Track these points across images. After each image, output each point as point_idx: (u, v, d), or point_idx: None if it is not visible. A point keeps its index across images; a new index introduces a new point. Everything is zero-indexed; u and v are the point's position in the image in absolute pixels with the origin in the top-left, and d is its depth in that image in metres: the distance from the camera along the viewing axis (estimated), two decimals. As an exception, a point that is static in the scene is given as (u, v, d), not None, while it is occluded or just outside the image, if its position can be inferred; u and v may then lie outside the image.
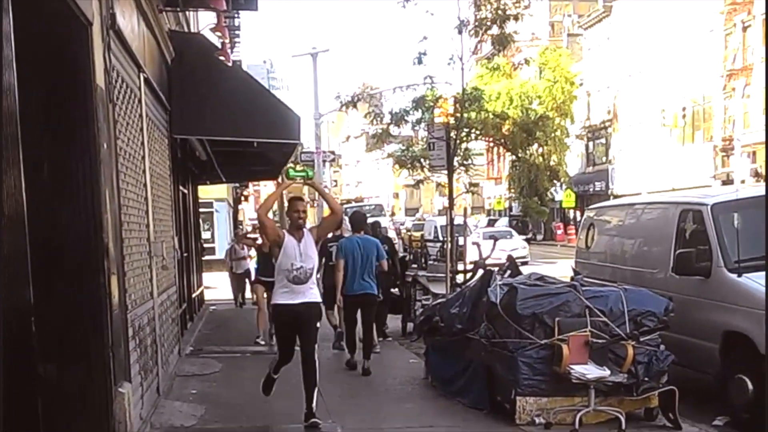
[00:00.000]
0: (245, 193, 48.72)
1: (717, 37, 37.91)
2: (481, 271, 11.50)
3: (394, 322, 14.99)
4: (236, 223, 41.52)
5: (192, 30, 16.12)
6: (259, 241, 14.17)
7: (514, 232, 40.03)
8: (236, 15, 17.87)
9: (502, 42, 17.77)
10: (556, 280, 9.37)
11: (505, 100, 45.08)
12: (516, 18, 17.28)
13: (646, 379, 8.12)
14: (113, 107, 7.10)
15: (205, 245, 27.55)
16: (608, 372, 7.87)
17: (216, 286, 24.07)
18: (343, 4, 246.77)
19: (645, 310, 8.45)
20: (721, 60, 37.85)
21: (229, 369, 11.65)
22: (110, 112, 6.94)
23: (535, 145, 45.83)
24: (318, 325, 8.52)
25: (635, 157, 45.83)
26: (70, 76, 6.23)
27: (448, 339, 9.80)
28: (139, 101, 8.80)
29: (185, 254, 15.23)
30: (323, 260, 11.92)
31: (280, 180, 27.44)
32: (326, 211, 27.70)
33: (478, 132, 35.43)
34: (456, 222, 16.86)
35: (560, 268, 19.86)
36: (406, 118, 25.34)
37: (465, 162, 37.03)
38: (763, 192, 9.51)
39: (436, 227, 34.12)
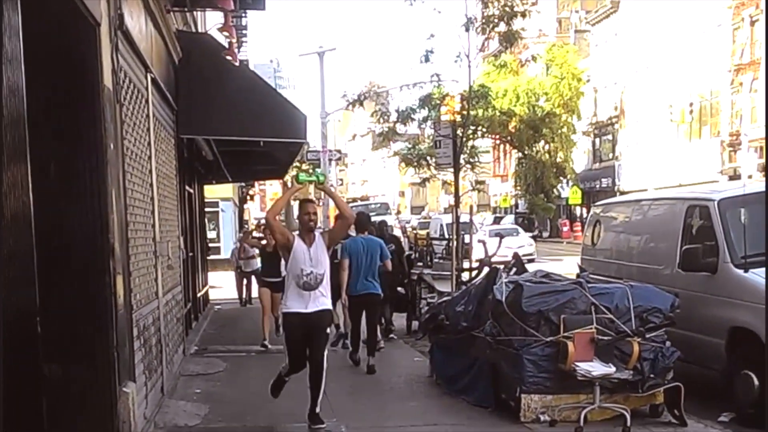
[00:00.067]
0: (251, 192, 48.80)
1: (725, 32, 37.79)
2: (486, 269, 11.51)
3: (399, 320, 15.00)
4: (242, 222, 41.58)
5: (199, 30, 16.16)
6: (264, 242, 14.17)
7: (520, 230, 39.97)
8: (243, 15, 17.92)
9: (510, 39, 17.77)
10: (561, 278, 9.38)
11: (511, 97, 45.12)
12: (523, 15, 17.30)
13: (652, 375, 8.12)
14: (120, 107, 7.13)
15: (211, 245, 27.59)
16: (613, 369, 7.87)
17: (221, 286, 24.11)
18: (350, 2, 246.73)
19: (651, 306, 8.44)
20: (729, 55, 37.73)
21: (233, 368, 11.68)
22: (117, 112, 6.97)
23: (542, 142, 45.94)
24: (328, 331, 8.52)
25: (642, 153, 45.72)
26: (77, 77, 6.26)
27: (453, 337, 9.80)
28: (146, 101, 8.83)
29: (191, 254, 15.27)
30: None
31: (286, 179, 27.49)
32: (331, 210, 27.72)
33: (484, 129, 35.50)
34: (462, 220, 16.86)
35: (567, 266, 19.86)
36: (412, 116, 25.34)
37: (471, 160, 37.12)
38: (770, 188, 9.47)
39: (441, 225, 34.12)
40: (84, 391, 6.17)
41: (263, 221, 27.05)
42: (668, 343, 8.40)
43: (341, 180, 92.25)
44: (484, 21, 17.20)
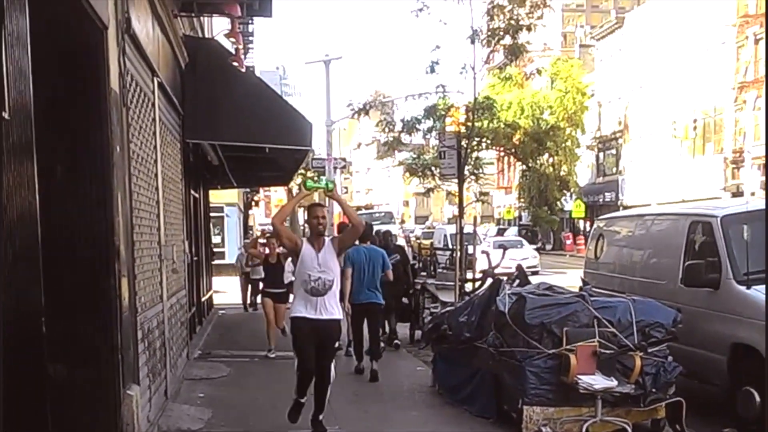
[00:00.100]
0: (256, 198, 48.80)
1: (729, 50, 37.86)
2: (489, 280, 11.51)
3: (402, 329, 15.00)
4: (246, 228, 41.58)
5: (206, 35, 16.21)
6: (267, 251, 14.14)
7: (524, 242, 39.95)
8: (250, 21, 17.94)
9: (515, 52, 17.84)
10: (564, 290, 9.37)
11: (516, 110, 45.15)
12: (529, 28, 17.36)
13: (654, 390, 8.10)
14: (127, 111, 7.15)
15: (215, 249, 27.61)
16: (616, 382, 7.85)
17: (225, 291, 24.12)
18: (357, 12, 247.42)
19: (653, 321, 8.44)
20: (733, 72, 37.79)
21: (237, 373, 11.68)
22: (124, 115, 6.99)
23: (546, 155, 45.92)
24: (337, 345, 8.45)
25: (645, 168, 45.76)
26: (84, 79, 6.28)
27: (455, 347, 9.80)
28: (153, 105, 8.85)
29: (195, 258, 15.27)
30: None
31: (291, 186, 27.51)
32: (336, 217, 27.74)
33: (489, 141, 35.48)
34: (465, 230, 16.87)
35: (570, 279, 19.83)
36: (417, 126, 25.40)
37: (475, 171, 37.09)
38: (773, 205, 9.48)
39: (445, 235, 34.12)
40: (88, 393, 6.17)
41: (268, 228, 26.99)
42: (670, 358, 8.39)
43: (346, 188, 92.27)
44: (489, 34, 17.28)
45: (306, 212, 8.85)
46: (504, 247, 19.98)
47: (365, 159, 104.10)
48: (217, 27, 17.13)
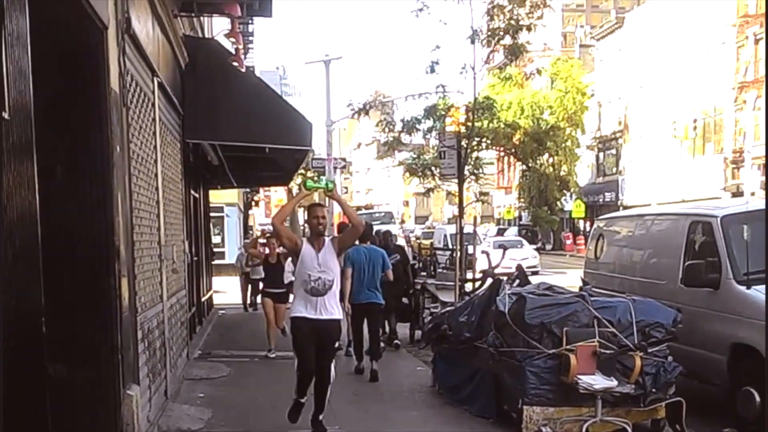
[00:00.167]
0: (256, 198, 48.80)
1: (729, 50, 37.87)
2: (489, 280, 11.52)
3: (402, 329, 15.00)
4: (246, 228, 41.58)
5: (206, 35, 16.21)
6: (267, 251, 14.13)
7: (524, 242, 39.96)
8: (250, 21, 17.94)
9: (515, 52, 17.84)
10: (564, 290, 9.38)
11: (516, 110, 45.17)
12: (529, 28, 17.35)
13: (654, 390, 8.11)
14: (127, 111, 7.15)
15: (215, 249, 27.60)
16: (616, 382, 7.86)
17: (225, 291, 24.13)
18: (357, 12, 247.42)
19: (653, 321, 8.44)
20: (733, 72, 37.80)
21: (237, 373, 11.68)
22: (124, 115, 6.99)
23: (546, 155, 45.94)
24: (337, 345, 8.43)
25: (645, 168, 45.77)
26: (84, 79, 6.28)
27: (455, 347, 9.80)
28: (153, 105, 8.85)
29: (195, 258, 15.27)
30: None
31: (291, 186, 27.51)
32: (336, 217, 27.73)
33: (489, 141, 35.49)
34: (465, 230, 16.87)
35: (570, 279, 19.83)
36: (417, 126, 25.41)
37: (475, 171, 37.10)
38: (773, 205, 9.48)
39: (445, 235, 34.13)
40: (88, 393, 6.17)
41: (268, 227, 26.94)
42: (670, 358, 8.39)
43: (346, 188, 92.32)
44: (489, 34, 17.27)
45: (306, 212, 8.82)
46: (504, 247, 19.98)
47: (365, 159, 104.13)
48: (217, 27, 17.14)
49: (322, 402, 8.03)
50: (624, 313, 8.42)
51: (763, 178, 33.61)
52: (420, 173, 37.54)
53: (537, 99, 47.18)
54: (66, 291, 5.91)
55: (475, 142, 26.02)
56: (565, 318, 8.25)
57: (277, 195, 55.23)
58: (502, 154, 50.96)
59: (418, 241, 33.26)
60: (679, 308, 8.74)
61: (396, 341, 14.06)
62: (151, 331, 8.26)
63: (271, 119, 12.37)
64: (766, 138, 19.42)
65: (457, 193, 19.21)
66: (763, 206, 9.89)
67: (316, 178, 13.33)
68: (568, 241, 52.94)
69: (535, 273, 29.74)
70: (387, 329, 14.36)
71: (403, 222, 76.95)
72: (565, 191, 49.78)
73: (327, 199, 15.28)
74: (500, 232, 53.75)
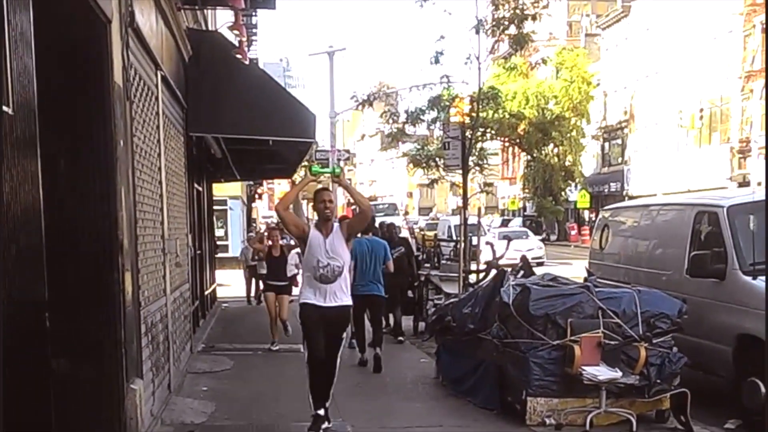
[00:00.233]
0: (259, 191, 48.81)
1: (736, 39, 37.70)
2: (494, 271, 11.51)
3: (405, 321, 15.00)
4: (250, 221, 41.59)
5: (210, 28, 16.19)
6: (270, 243, 14.12)
7: (530, 233, 39.93)
8: (254, 13, 17.93)
9: (520, 42, 17.77)
10: (569, 281, 9.37)
11: (521, 100, 45.13)
12: (534, 18, 17.27)
13: (658, 381, 8.10)
14: (130, 105, 7.15)
15: (219, 243, 27.61)
16: (620, 373, 7.86)
17: (229, 284, 24.15)
18: (361, 2, 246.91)
19: (658, 311, 8.43)
20: (740, 61, 37.64)
21: (240, 366, 11.69)
22: (127, 109, 6.98)
23: (551, 145, 45.95)
24: (344, 336, 8.31)
25: (651, 158, 45.66)
26: (88, 73, 6.28)
27: (459, 339, 9.80)
28: (156, 99, 8.85)
29: (199, 251, 15.29)
30: None
31: (295, 178, 27.50)
32: (339, 209, 27.71)
33: (493, 131, 35.46)
34: (470, 222, 16.85)
35: (575, 269, 19.83)
36: (421, 117, 25.34)
37: (480, 162, 37.05)
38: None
39: (449, 227, 34.10)
40: (92, 387, 6.19)
41: (272, 221, 26.85)
42: (675, 349, 8.38)
43: (349, 180, 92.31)
44: (494, 23, 17.21)
45: (312, 199, 8.57)
46: (508, 238, 19.98)
47: (369, 150, 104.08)
48: (221, 19, 17.11)
49: (327, 393, 8.01)
50: (629, 303, 8.41)
51: (768, 168, 33.49)
52: (424, 164, 37.50)
53: (542, 89, 47.12)
54: (69, 285, 5.92)
55: (479, 133, 26.01)
56: (569, 309, 8.24)
57: (280, 188, 55.25)
58: (506, 144, 50.98)
59: (422, 232, 33.24)
60: (684, 299, 8.73)
61: (400, 338, 14.02)
62: (155, 325, 8.27)
63: (274, 111, 12.36)
64: (766, 128, 19.33)
65: (461, 184, 19.16)
66: (768, 196, 9.85)
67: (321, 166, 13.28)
68: (573, 232, 52.89)
69: (540, 264, 29.71)
70: (391, 322, 14.37)
71: (407, 213, 76.92)
72: (570, 181, 49.76)
73: (332, 187, 15.29)
74: (505, 223, 53.72)
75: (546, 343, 8.15)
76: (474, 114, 18.51)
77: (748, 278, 8.51)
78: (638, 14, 47.61)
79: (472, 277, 14.68)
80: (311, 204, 8.77)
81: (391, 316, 14.38)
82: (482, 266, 15.26)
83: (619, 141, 52.59)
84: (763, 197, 9.49)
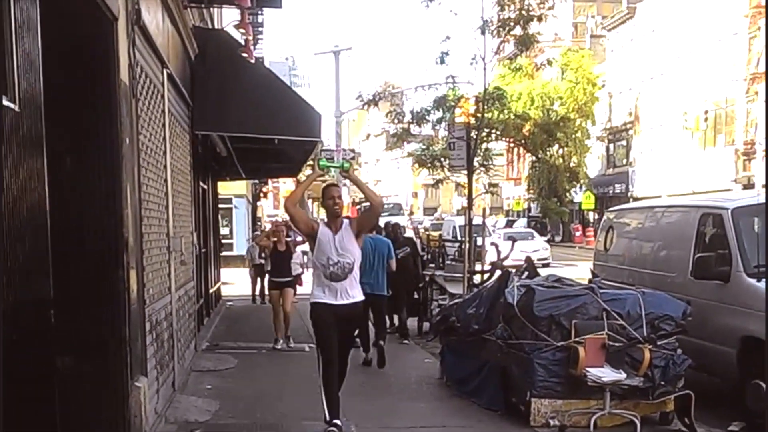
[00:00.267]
0: (264, 189, 48.79)
1: (741, 41, 37.61)
2: (498, 272, 11.50)
3: (410, 321, 14.98)
4: (255, 219, 41.60)
5: (216, 26, 16.20)
6: (275, 239, 14.12)
7: (535, 233, 39.91)
8: (260, 12, 17.93)
9: (525, 42, 17.76)
10: (573, 282, 9.36)
11: (526, 101, 45.05)
12: (540, 19, 17.26)
13: (663, 383, 8.09)
14: (136, 102, 7.15)
15: (224, 241, 27.63)
16: (624, 375, 7.85)
17: (233, 282, 24.15)
18: (367, 2, 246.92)
19: (663, 313, 8.42)
20: (745, 63, 37.54)
21: (244, 365, 11.69)
22: (133, 107, 6.99)
23: (556, 146, 45.83)
24: (355, 334, 8.09)
25: (656, 159, 45.57)
26: (94, 71, 6.28)
27: (464, 339, 9.79)
28: (162, 97, 8.85)
29: (203, 250, 15.29)
30: None
31: (300, 177, 27.50)
32: (344, 209, 27.68)
33: (498, 132, 35.41)
34: (475, 222, 16.84)
35: (580, 271, 19.80)
36: (426, 117, 25.33)
37: (485, 162, 37.01)
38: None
39: (454, 227, 34.09)
40: (96, 385, 6.19)
41: (277, 219, 26.82)
42: (679, 351, 8.37)
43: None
44: (500, 24, 17.20)
45: (321, 195, 8.46)
46: (513, 238, 19.94)
47: (374, 150, 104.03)
48: (227, 18, 17.13)
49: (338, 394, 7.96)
50: (633, 305, 8.40)
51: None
52: (429, 164, 37.45)
53: (547, 90, 47.05)
54: (74, 283, 5.92)
55: (484, 133, 25.96)
56: (574, 310, 8.23)
57: (285, 186, 55.30)
58: (511, 145, 50.88)
59: (427, 232, 33.23)
60: (688, 301, 8.72)
61: (405, 341, 13.99)
62: (159, 323, 8.27)
63: (280, 110, 12.36)
64: (765, 130, 19.32)
65: (466, 185, 19.16)
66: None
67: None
68: (578, 233, 52.85)
69: (546, 265, 29.68)
70: (396, 322, 14.36)
71: (411, 213, 76.88)
72: (574, 183, 49.66)
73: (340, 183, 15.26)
74: (509, 224, 53.66)
75: (550, 344, 8.14)
76: (479, 114, 18.48)
77: (753, 280, 8.50)
78: (643, 16, 47.52)
79: (477, 278, 14.66)
80: (316, 203, 8.68)
81: (395, 316, 14.38)
82: (487, 267, 15.24)
83: (624, 142, 52.49)
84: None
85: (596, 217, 49.41)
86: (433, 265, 16.50)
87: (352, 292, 7.60)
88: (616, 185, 51.14)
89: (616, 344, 8.01)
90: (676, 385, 8.19)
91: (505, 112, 33.77)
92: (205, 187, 16.52)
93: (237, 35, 13.99)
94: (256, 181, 37.74)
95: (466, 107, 19.36)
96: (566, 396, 8.07)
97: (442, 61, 18.41)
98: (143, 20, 7.28)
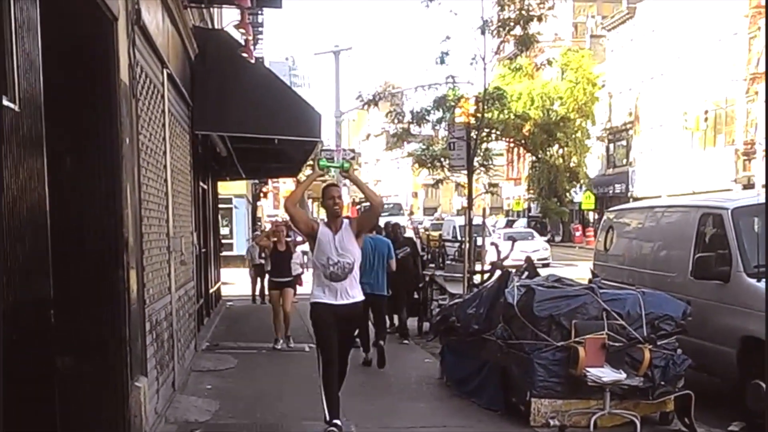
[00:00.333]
0: (264, 189, 48.79)
1: (741, 41, 37.62)
2: (498, 272, 11.50)
3: (410, 321, 14.98)
4: (255, 219, 41.60)
5: (216, 26, 16.20)
6: (275, 239, 14.12)
7: (535, 234, 39.92)
8: (260, 12, 17.93)
9: (525, 42, 17.76)
10: (573, 282, 9.36)
11: (526, 101, 45.06)
12: (540, 19, 17.26)
13: (663, 383, 8.09)
14: (136, 102, 7.15)
15: (224, 241, 27.63)
16: (624, 375, 7.85)
17: (233, 282, 24.15)
18: (367, 2, 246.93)
19: (663, 313, 8.42)
20: (745, 63, 37.55)
21: (244, 365, 11.69)
22: (133, 107, 6.99)
23: (556, 146, 45.84)
24: (355, 334, 8.07)
25: (656, 159, 45.58)
26: (94, 71, 6.28)
27: (464, 339, 9.79)
28: (162, 97, 8.85)
29: (203, 250, 15.29)
30: None
31: (300, 177, 27.51)
32: (344, 209, 27.69)
33: (498, 132, 35.42)
34: (475, 222, 16.84)
35: (580, 271, 19.80)
36: (426, 117, 25.34)
37: (485, 162, 37.02)
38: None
39: (454, 227, 34.10)
40: (96, 385, 6.19)
41: (277, 219, 26.83)
42: (679, 351, 8.37)
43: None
44: (500, 24, 17.20)
45: (321, 196, 8.47)
46: (513, 239, 19.95)
47: (374, 150, 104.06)
48: (227, 18, 17.13)
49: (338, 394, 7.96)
50: (633, 305, 8.40)
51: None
52: (429, 164, 37.47)
53: (547, 90, 47.05)
54: (74, 283, 5.92)
55: (484, 133, 25.95)
56: (573, 310, 8.23)
57: (285, 186, 55.31)
58: (511, 145, 50.89)
59: (427, 232, 33.25)
60: (688, 301, 8.72)
61: (405, 341, 13.99)
62: (159, 323, 8.27)
63: (280, 110, 12.37)
64: (765, 130, 19.33)
65: (466, 185, 19.16)
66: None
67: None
68: (578, 233, 52.87)
69: (546, 265, 29.67)
70: (396, 322, 14.36)
71: (411, 213, 76.87)
72: (574, 183, 49.67)
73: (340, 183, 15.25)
74: (509, 224, 53.67)
75: (550, 344, 8.14)
76: (479, 114, 18.49)
77: (753, 280, 8.50)
78: (643, 16, 47.53)
79: (477, 278, 14.67)
80: (316, 203, 8.70)
81: (395, 316, 14.37)
82: (487, 267, 15.24)
83: (624, 142, 52.50)
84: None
85: (596, 217, 49.41)
86: (433, 265, 16.50)
87: (352, 292, 7.59)
88: (616, 185, 51.15)
89: (616, 344, 8.01)
90: (676, 385, 8.19)
91: (505, 112, 33.78)
92: (205, 187, 16.52)
93: (237, 35, 14.00)
94: (256, 181, 37.76)
95: (466, 107, 19.37)
96: (566, 396, 8.07)
97: (442, 61, 18.42)
98: (143, 20, 7.28)
